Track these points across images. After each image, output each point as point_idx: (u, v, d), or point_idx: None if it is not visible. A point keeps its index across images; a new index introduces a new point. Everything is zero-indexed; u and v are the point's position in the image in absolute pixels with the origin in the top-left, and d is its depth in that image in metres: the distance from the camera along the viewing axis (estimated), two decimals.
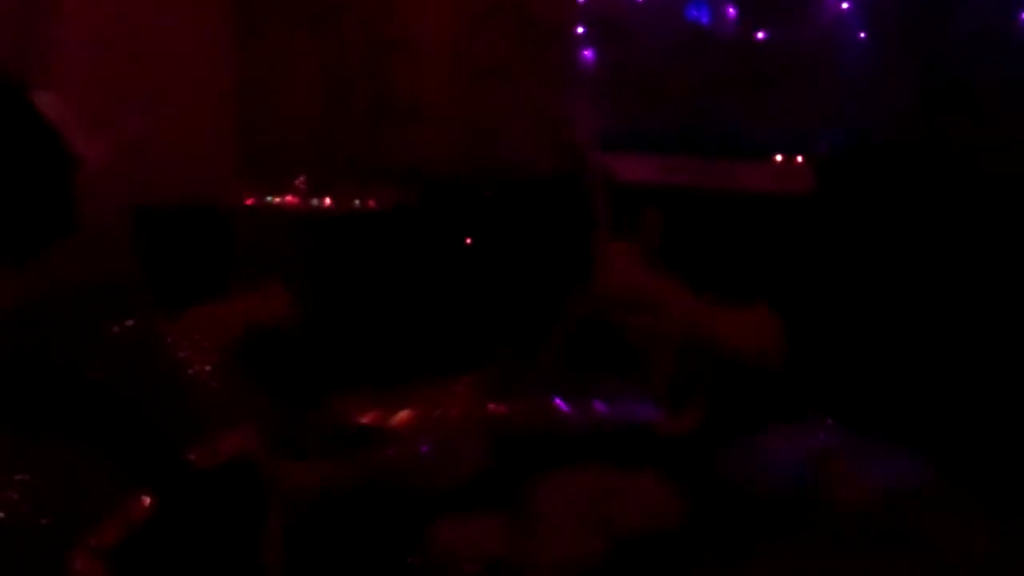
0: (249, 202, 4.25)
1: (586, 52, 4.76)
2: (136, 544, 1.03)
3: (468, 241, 4.15)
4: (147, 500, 1.05)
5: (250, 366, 1.32)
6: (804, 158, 4.12)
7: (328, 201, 4.23)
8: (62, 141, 1.12)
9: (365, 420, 2.31)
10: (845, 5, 4.28)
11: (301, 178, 4.46)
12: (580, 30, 4.75)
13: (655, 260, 2.35)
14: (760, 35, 4.43)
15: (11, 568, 0.97)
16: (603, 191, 2.28)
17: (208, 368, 1.22)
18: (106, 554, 1.01)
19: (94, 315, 1.13)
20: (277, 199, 4.23)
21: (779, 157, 4.19)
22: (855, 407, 2.25)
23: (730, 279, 2.39)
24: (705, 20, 4.53)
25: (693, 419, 2.28)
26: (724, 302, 2.29)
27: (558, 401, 2.40)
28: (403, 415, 2.35)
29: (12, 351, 1.08)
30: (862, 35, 4.23)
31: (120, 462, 1.06)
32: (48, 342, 1.09)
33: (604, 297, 2.38)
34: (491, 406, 2.37)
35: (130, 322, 1.15)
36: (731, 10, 4.50)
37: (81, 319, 1.12)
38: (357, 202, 4.22)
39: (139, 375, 1.13)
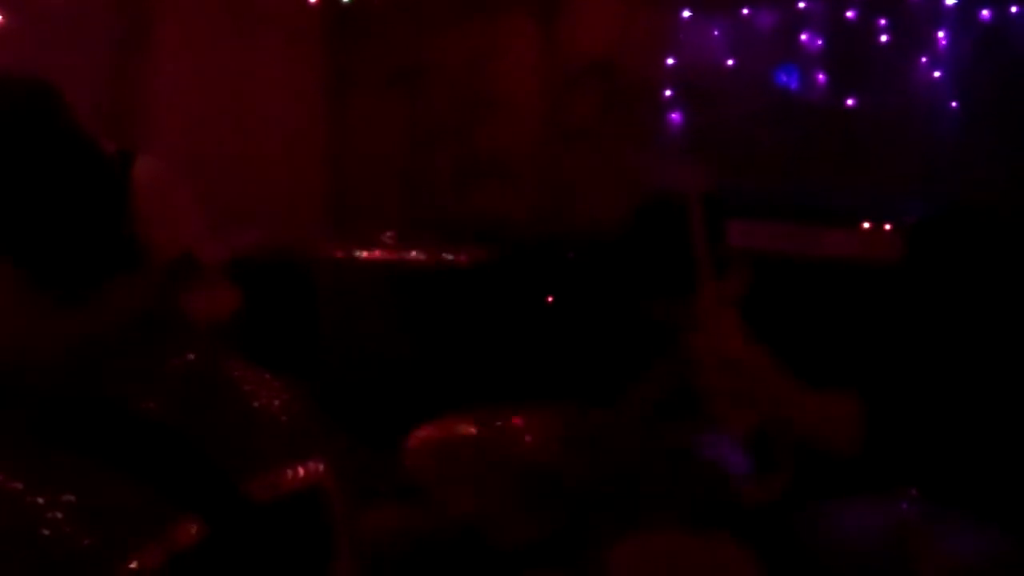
0: (338, 255, 4.33)
1: (674, 115, 4.78)
2: (183, 571, 1.04)
3: (549, 299, 4.17)
4: (194, 527, 1.06)
5: (324, 406, 1.33)
6: (893, 225, 4.08)
7: (413, 255, 4.28)
8: (124, 180, 1.14)
9: None
10: (937, 74, 4.24)
11: (389, 232, 4.53)
12: (668, 93, 4.78)
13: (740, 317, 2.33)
14: (850, 102, 4.41)
15: None
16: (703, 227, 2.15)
17: (276, 402, 1.23)
18: None
19: (153, 349, 1.15)
20: (365, 252, 4.29)
21: (867, 224, 4.16)
22: (940, 478, 2.20)
23: (815, 347, 2.36)
24: (794, 86, 4.53)
25: (779, 486, 2.24)
26: (809, 385, 2.24)
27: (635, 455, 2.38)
28: None
29: (70, 382, 1.10)
30: (953, 104, 4.19)
31: (170, 490, 1.07)
32: (105, 373, 1.11)
33: (695, 360, 2.34)
34: (568, 462, 2.36)
35: (191, 356, 1.18)
36: (821, 76, 4.49)
37: (139, 352, 1.14)
38: (442, 256, 4.26)
39: (197, 407, 1.14)
